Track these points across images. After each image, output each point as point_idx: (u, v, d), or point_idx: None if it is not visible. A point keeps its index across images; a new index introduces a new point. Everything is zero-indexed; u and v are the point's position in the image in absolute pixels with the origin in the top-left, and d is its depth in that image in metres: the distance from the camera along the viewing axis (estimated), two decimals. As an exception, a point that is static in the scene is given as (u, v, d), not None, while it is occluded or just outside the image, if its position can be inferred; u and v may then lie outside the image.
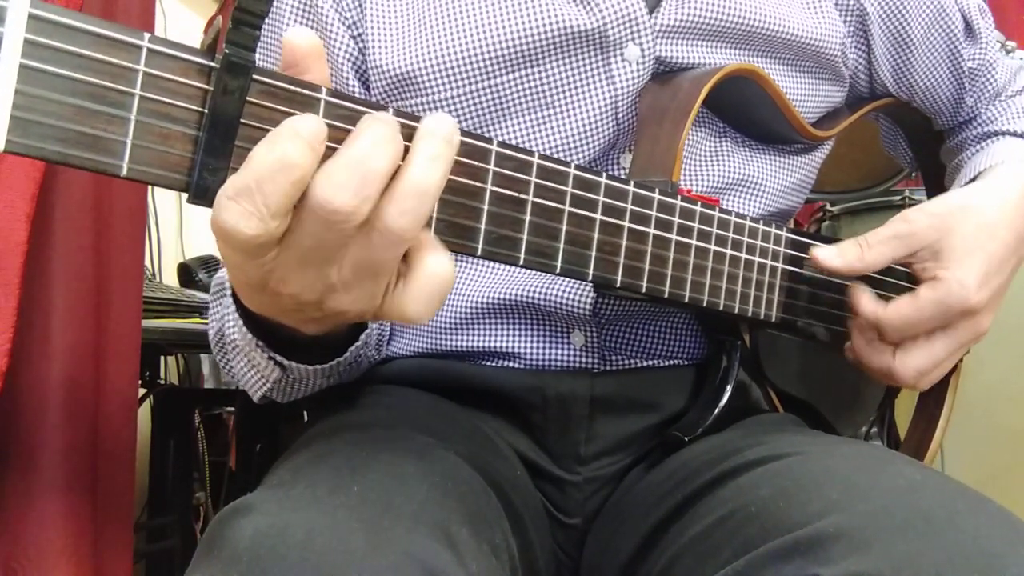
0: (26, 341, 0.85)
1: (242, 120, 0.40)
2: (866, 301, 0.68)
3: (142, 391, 1.46)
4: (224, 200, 0.39)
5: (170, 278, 1.80)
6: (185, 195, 0.40)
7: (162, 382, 1.70)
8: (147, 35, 0.38)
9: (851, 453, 0.56)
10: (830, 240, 0.73)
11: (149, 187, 1.38)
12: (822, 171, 0.86)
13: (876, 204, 1.38)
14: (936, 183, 0.93)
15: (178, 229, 2.09)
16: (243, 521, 0.44)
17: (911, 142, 0.95)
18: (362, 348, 0.63)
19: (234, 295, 0.55)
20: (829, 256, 0.67)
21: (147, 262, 1.41)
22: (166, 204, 2.03)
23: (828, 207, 1.47)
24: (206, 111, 0.39)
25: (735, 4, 0.71)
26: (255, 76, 0.40)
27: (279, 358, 0.58)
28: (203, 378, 1.98)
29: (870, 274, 0.71)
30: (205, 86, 0.39)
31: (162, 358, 1.71)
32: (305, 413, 1.00)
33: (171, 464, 1.55)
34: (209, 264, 1.60)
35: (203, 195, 0.40)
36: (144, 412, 1.44)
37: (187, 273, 1.60)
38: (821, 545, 0.46)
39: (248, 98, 0.40)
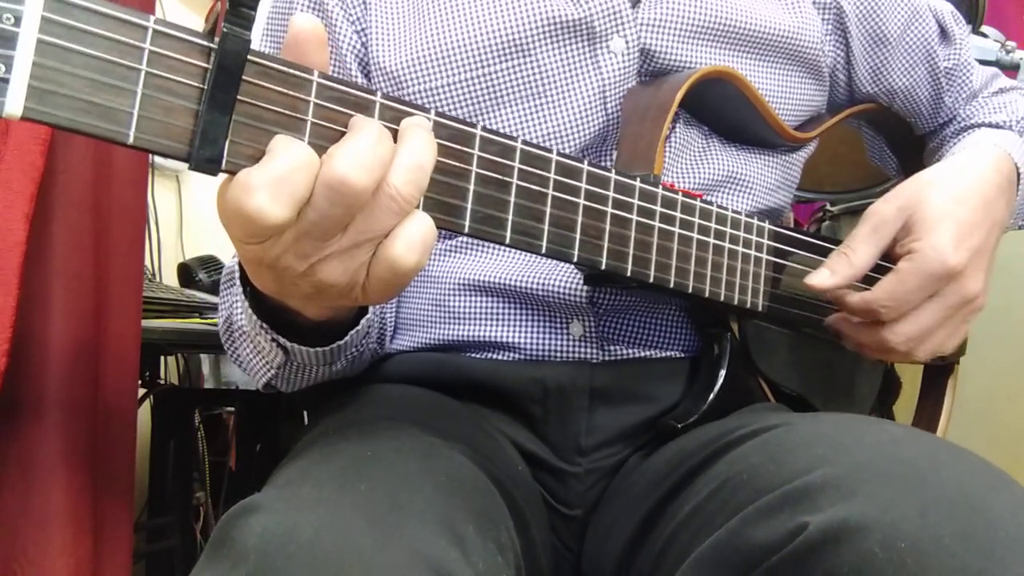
0: (26, 341, 0.85)
1: (239, 97, 0.43)
2: (851, 296, 0.70)
3: (142, 391, 1.46)
4: (254, 187, 0.42)
5: (170, 278, 1.80)
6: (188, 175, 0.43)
7: (162, 382, 1.70)
8: (152, 17, 0.41)
9: (837, 418, 0.58)
10: (821, 238, 0.74)
11: (149, 187, 1.38)
12: (822, 171, 0.87)
13: (876, 204, 1.38)
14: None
15: (178, 229, 2.08)
16: (251, 520, 0.45)
17: (894, 148, 0.96)
18: (364, 337, 0.63)
19: (242, 279, 0.56)
20: (823, 279, 0.69)
21: (147, 262, 1.41)
22: (166, 204, 2.03)
23: (828, 207, 1.47)
24: (206, 87, 0.42)
25: (712, 2, 0.73)
26: (250, 57, 0.43)
27: (282, 340, 0.58)
28: (203, 378, 1.98)
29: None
30: (205, 64, 0.42)
31: (162, 358, 1.71)
32: (305, 414, 1.00)
33: (171, 464, 1.55)
34: (209, 264, 1.60)
35: (202, 164, 0.42)
36: (144, 412, 1.44)
37: (187, 273, 1.60)
38: (808, 496, 0.47)
39: (245, 77, 0.43)
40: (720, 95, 0.73)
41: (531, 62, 0.71)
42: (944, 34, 0.85)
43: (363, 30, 0.74)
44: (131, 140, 0.40)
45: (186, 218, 2.10)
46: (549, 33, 0.71)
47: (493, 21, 0.71)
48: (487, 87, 0.72)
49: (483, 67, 0.71)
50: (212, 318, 1.27)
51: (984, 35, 1.39)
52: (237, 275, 0.59)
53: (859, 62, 0.83)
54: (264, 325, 0.57)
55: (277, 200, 0.42)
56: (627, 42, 0.72)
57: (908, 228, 0.69)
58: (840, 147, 0.93)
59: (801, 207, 1.63)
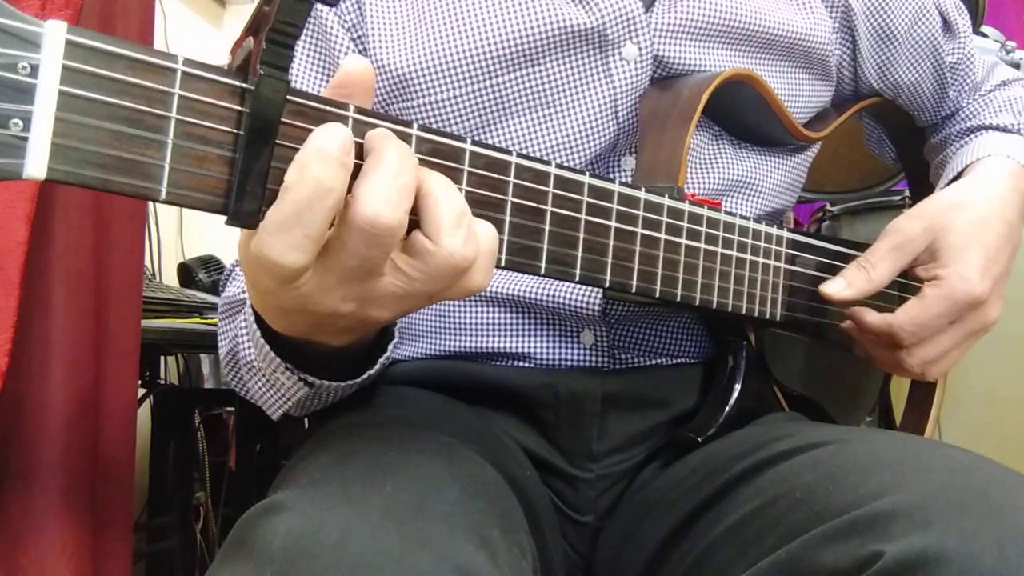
0: (26, 341, 0.85)
1: (276, 141, 0.40)
2: (871, 316, 0.70)
3: (142, 391, 1.46)
4: (266, 237, 0.39)
5: (170, 278, 1.80)
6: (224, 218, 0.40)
7: (162, 382, 1.70)
8: (181, 58, 0.38)
9: (894, 439, 0.57)
10: (830, 239, 0.74)
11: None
12: (822, 171, 0.87)
13: (876, 204, 1.38)
14: (919, 180, 0.94)
15: (178, 229, 2.08)
16: (276, 520, 0.44)
17: (893, 139, 0.96)
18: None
19: (257, 320, 0.54)
20: (839, 288, 0.68)
21: (147, 262, 1.41)
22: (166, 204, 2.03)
23: (828, 207, 1.47)
24: (242, 132, 0.39)
25: (726, 4, 0.72)
26: (288, 96, 0.39)
27: (310, 379, 0.57)
28: (203, 378, 1.98)
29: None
30: (239, 108, 0.39)
31: (162, 358, 1.71)
32: (306, 419, 1.01)
33: (171, 464, 1.54)
34: (209, 264, 1.60)
35: (241, 217, 0.39)
36: (144, 412, 1.44)
37: (187, 273, 1.60)
38: (880, 523, 0.46)
39: (280, 119, 0.40)
40: (736, 97, 0.72)
41: (540, 71, 0.69)
42: (948, 27, 0.85)
43: (360, 36, 0.72)
44: (163, 196, 0.37)
45: (186, 218, 2.10)
46: (560, 42, 0.69)
47: (501, 30, 0.68)
48: (494, 98, 0.69)
49: (490, 78, 0.69)
50: (212, 318, 1.27)
51: (984, 35, 1.39)
52: (247, 307, 0.57)
53: (866, 58, 0.83)
54: (288, 366, 0.56)
55: (292, 246, 0.39)
56: (640, 48, 0.69)
57: (933, 252, 0.69)
58: (840, 147, 0.94)
59: (801, 207, 1.63)
